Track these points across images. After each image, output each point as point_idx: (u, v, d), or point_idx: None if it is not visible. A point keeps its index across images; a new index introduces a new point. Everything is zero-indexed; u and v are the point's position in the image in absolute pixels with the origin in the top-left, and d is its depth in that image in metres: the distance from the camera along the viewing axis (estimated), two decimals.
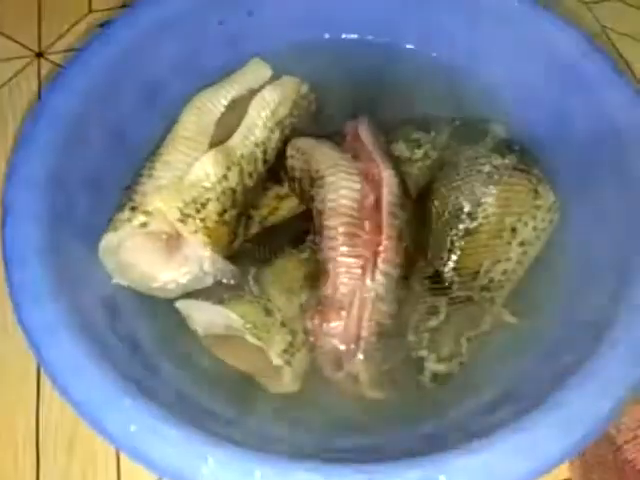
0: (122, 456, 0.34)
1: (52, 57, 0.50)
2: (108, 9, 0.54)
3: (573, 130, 0.34)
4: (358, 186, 0.31)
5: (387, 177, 0.31)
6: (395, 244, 0.30)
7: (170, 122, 0.37)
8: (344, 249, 0.30)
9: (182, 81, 0.37)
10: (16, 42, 0.51)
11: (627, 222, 0.29)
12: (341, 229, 0.30)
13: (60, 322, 0.25)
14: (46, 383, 0.36)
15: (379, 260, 0.29)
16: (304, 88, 0.37)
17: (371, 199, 0.31)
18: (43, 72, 0.49)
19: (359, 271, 0.29)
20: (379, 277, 0.29)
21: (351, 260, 0.29)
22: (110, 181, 0.33)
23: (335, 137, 0.36)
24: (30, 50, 0.50)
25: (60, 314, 0.25)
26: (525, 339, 0.31)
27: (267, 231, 0.36)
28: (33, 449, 0.34)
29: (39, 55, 0.50)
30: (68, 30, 0.52)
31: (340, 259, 0.30)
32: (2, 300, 0.36)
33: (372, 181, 0.31)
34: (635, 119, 0.31)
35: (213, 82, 0.37)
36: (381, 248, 0.29)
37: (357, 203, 0.31)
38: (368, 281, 0.29)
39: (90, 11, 0.53)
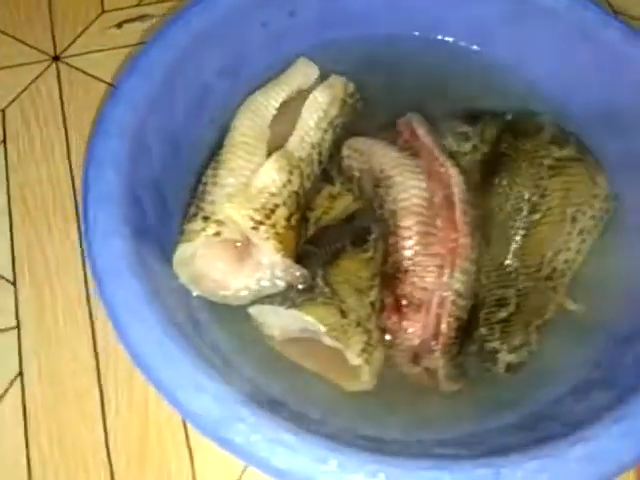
0: (196, 460, 0.34)
1: (69, 60, 0.49)
2: (121, 9, 0.52)
3: (622, 119, 0.35)
4: (424, 184, 0.31)
5: (455, 175, 0.32)
6: (470, 241, 0.30)
7: (219, 126, 0.37)
8: (421, 248, 0.30)
9: (229, 85, 0.37)
10: (32, 47, 0.49)
11: None
12: (415, 228, 0.30)
13: (159, 332, 0.25)
14: (110, 400, 0.35)
15: (457, 258, 0.30)
16: (351, 87, 0.38)
17: (439, 197, 0.31)
18: (62, 75, 0.48)
19: (437, 269, 0.30)
20: (457, 275, 0.30)
21: (428, 259, 0.30)
22: (171, 190, 0.33)
23: (385, 134, 0.36)
24: (46, 54, 0.49)
25: (158, 324, 0.25)
26: (591, 327, 0.32)
27: (322, 231, 0.37)
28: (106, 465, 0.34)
29: (56, 59, 0.49)
30: (83, 32, 0.51)
31: (417, 258, 0.30)
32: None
33: (437, 179, 0.32)
34: None
35: (259, 85, 0.37)
36: (457, 245, 0.30)
37: (426, 202, 0.31)
38: (446, 279, 0.30)
39: (103, 11, 0.52)
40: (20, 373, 0.36)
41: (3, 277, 0.39)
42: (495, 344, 0.32)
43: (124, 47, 0.49)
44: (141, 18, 0.51)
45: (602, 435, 0.23)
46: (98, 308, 0.37)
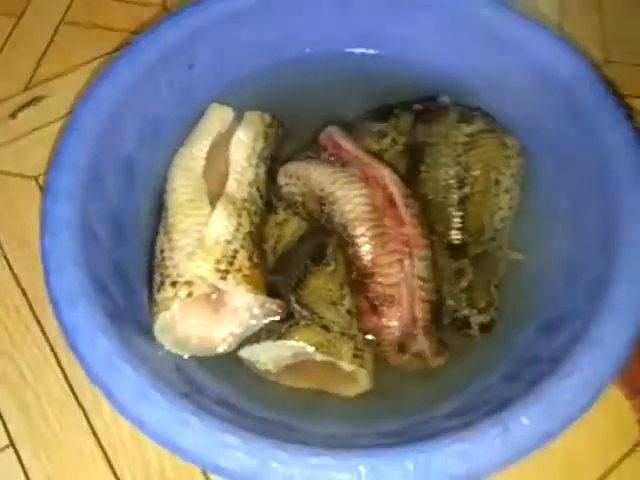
0: None
1: None
2: (9, 98, 0.51)
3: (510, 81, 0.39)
4: (365, 191, 0.34)
5: (388, 175, 0.34)
6: (420, 230, 0.33)
7: (153, 191, 0.38)
8: (378, 250, 0.33)
9: (152, 150, 0.38)
10: None
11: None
12: (368, 234, 0.33)
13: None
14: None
15: (412, 248, 0.33)
16: (267, 118, 0.39)
17: (380, 199, 0.34)
18: None
19: (398, 264, 0.33)
20: (417, 262, 0.33)
21: (387, 257, 0.32)
22: (130, 268, 0.34)
23: (310, 152, 0.39)
24: None
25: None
26: (537, 273, 0.36)
27: (281, 259, 0.38)
28: None
29: None
30: None
31: (378, 259, 0.33)
32: None
33: (374, 183, 0.34)
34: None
35: (180, 141, 0.38)
36: (409, 238, 0.33)
37: (371, 207, 0.33)
38: (408, 269, 0.32)
39: None
40: None
41: None
42: (465, 311, 0.35)
43: (25, 135, 0.49)
44: (33, 101, 0.51)
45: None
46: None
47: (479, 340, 0.35)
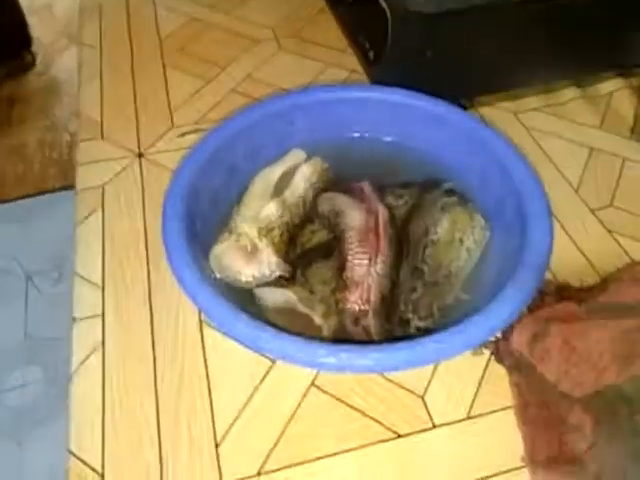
0: None
1: (148, 156, 0.73)
2: (183, 125, 0.78)
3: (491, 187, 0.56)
4: (364, 215, 0.52)
5: (381, 209, 0.52)
6: (387, 245, 0.50)
7: (241, 188, 0.59)
8: (358, 249, 0.50)
9: (251, 164, 0.60)
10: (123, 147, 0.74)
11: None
12: (355, 237, 0.50)
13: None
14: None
15: (379, 254, 0.50)
16: (325, 164, 0.60)
17: (371, 222, 0.52)
18: (143, 166, 0.72)
19: (367, 262, 0.49)
20: (379, 264, 0.49)
21: (362, 255, 0.50)
22: (213, 221, 0.54)
23: (345, 191, 0.58)
24: (132, 151, 0.74)
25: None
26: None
27: (306, 252, 0.57)
28: None
29: (140, 155, 0.73)
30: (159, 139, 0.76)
31: (355, 255, 0.50)
32: None
33: (372, 213, 0.52)
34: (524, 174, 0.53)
35: (269, 164, 0.60)
36: (379, 247, 0.50)
37: (364, 225, 0.51)
38: (372, 266, 0.49)
39: (172, 126, 0.77)
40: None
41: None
42: (409, 315, 0.50)
43: (184, 149, 0.74)
44: (195, 131, 0.77)
45: None
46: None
47: None
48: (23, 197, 1.94)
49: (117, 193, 0.68)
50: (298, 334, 0.42)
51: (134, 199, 0.67)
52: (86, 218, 0.66)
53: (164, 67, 0.86)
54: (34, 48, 2.40)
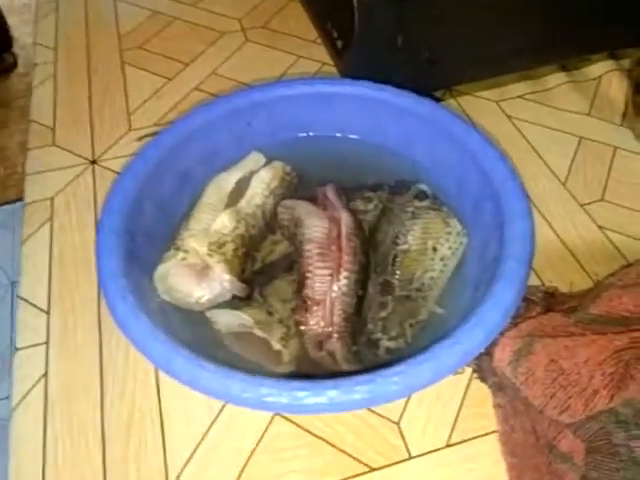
0: None
1: (103, 163, 0.68)
2: (142, 128, 0.72)
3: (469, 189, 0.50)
4: (326, 224, 0.47)
5: (344, 217, 0.47)
6: (351, 258, 0.45)
7: (195, 196, 0.53)
8: (318, 264, 0.45)
9: (204, 169, 0.54)
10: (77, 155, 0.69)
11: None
12: (315, 251, 0.45)
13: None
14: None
15: (341, 269, 0.44)
16: (288, 168, 0.54)
17: (335, 232, 0.46)
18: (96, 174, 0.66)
19: (329, 277, 0.44)
20: (342, 280, 0.44)
21: (323, 270, 0.44)
22: (160, 236, 0.49)
23: (310, 198, 0.53)
24: (85, 159, 0.68)
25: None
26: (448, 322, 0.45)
27: (266, 266, 0.51)
28: None
29: (93, 162, 0.68)
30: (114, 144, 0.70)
31: (315, 270, 0.44)
32: None
33: (334, 221, 0.47)
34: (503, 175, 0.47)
35: (226, 168, 0.55)
36: (342, 262, 0.45)
37: (325, 235, 0.46)
38: (335, 283, 0.44)
39: (130, 129, 0.72)
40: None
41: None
42: (378, 335, 0.45)
43: None
44: (154, 134, 0.71)
45: None
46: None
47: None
48: (6, 202, 1.90)
49: (68, 205, 0.63)
50: (246, 367, 0.37)
51: (85, 211, 0.62)
52: (33, 234, 0.60)
53: (123, 65, 0.80)
54: (15, 49, 2.33)
